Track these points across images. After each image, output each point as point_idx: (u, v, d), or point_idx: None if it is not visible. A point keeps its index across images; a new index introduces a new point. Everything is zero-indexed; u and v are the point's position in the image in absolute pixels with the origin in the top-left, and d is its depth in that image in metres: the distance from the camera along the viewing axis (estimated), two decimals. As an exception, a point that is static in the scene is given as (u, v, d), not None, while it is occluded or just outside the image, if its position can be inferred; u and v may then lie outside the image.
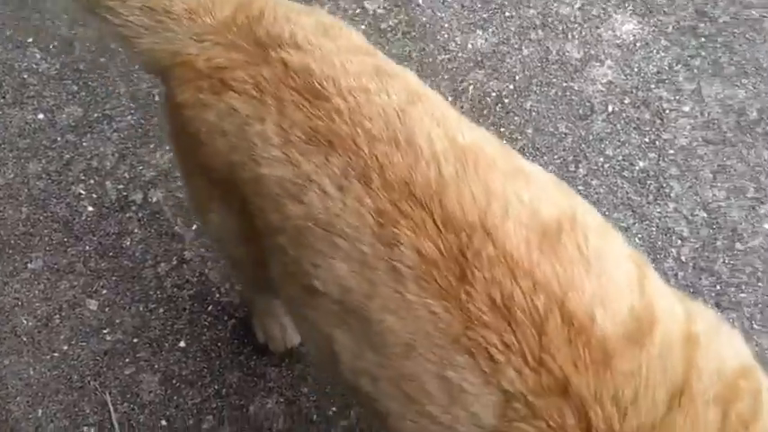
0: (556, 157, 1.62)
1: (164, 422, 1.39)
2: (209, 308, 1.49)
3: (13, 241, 1.56)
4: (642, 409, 0.71)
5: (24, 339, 1.46)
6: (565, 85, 1.70)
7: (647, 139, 1.64)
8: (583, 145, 1.64)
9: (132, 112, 1.70)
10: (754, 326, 1.48)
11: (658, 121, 1.66)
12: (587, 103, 1.68)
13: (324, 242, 0.83)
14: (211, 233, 1.11)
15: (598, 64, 1.72)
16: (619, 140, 1.64)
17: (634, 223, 1.56)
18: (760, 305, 1.49)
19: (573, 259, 0.77)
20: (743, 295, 1.50)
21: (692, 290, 1.49)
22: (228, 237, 1.07)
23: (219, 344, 1.46)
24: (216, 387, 1.42)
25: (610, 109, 1.68)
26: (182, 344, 1.46)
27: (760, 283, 1.51)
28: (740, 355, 0.80)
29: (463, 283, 0.76)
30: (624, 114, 1.67)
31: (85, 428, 1.38)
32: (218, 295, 1.50)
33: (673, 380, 0.73)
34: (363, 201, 0.81)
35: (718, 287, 1.50)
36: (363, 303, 0.81)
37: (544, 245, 0.77)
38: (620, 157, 1.63)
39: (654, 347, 0.74)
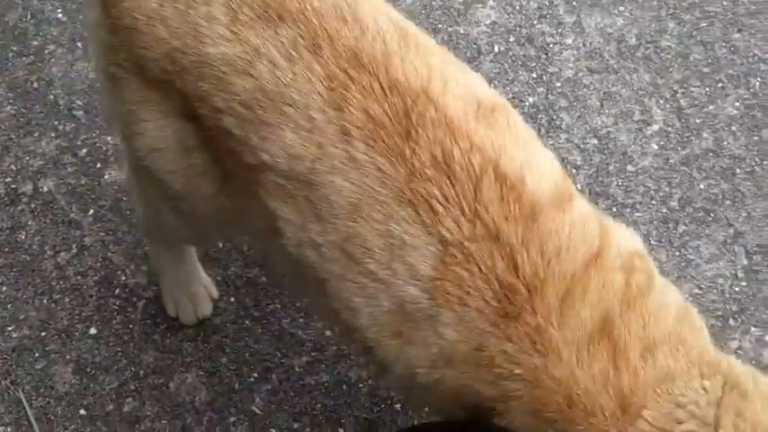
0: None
1: (83, 411, 1.37)
2: (117, 291, 1.46)
3: None
4: (564, 262, 0.81)
5: (-76, 348, 1.41)
6: (450, 29, 1.72)
7: (534, 75, 1.68)
8: (473, 87, 1.66)
9: (11, 102, 1.63)
10: (651, 242, 1.54)
11: (543, 56, 1.70)
12: (474, 46, 1.71)
13: (272, 113, 0.87)
14: (144, 149, 1.03)
15: (480, 5, 1.74)
16: (507, 79, 1.67)
17: (529, 157, 1.60)
18: (655, 222, 1.56)
19: (505, 132, 0.86)
20: (638, 215, 1.56)
21: (590, 215, 1.54)
22: (165, 147, 1.01)
23: (131, 326, 1.43)
24: (132, 369, 1.40)
25: (496, 49, 1.70)
26: (92, 331, 1.43)
27: (653, 201, 1.57)
28: (635, 244, 0.93)
29: (408, 141, 0.83)
30: (510, 53, 1.70)
31: (1, 429, 1.35)
32: (123, 278, 1.47)
33: (589, 245, 0.83)
34: (313, 69, 0.86)
35: (614, 209, 1.56)
36: (311, 169, 0.86)
37: (480, 116, 0.87)
38: (511, 95, 1.66)
39: (574, 215, 0.85)
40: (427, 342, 0.85)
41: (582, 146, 1.61)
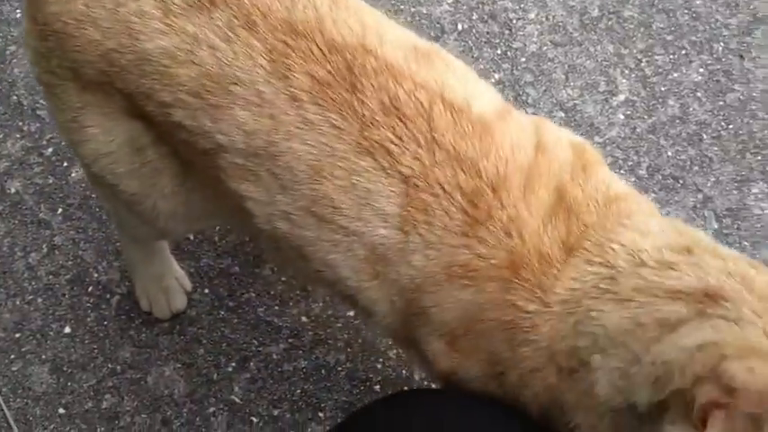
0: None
1: (61, 410, 1.37)
2: (90, 288, 1.46)
3: None
4: (519, 157, 0.87)
5: None
6: (413, 9, 1.72)
7: (498, 52, 1.68)
8: (438, 66, 1.66)
9: (-26, 104, 1.62)
10: (622, 211, 1.55)
11: (507, 32, 1.70)
12: (437, 25, 1.70)
13: (221, 95, 0.87)
14: (92, 155, 1.02)
15: (442, -16, 1.74)
16: (472, 56, 1.67)
17: (497, 134, 1.60)
18: (625, 191, 1.56)
19: (444, 70, 0.91)
20: (608, 185, 1.57)
21: (559, 188, 1.55)
22: (114, 150, 1.00)
23: (106, 322, 1.43)
24: (110, 366, 1.40)
25: (459, 27, 1.70)
26: (67, 329, 1.42)
27: (622, 171, 1.58)
28: (573, 137, 1.00)
29: (355, 94, 0.86)
30: (474, 30, 1.70)
31: (-20, 432, 1.34)
32: (96, 275, 1.47)
33: (532, 139, 0.90)
34: (252, 45, 0.87)
35: (583, 181, 1.56)
36: (268, 141, 0.87)
37: (418, 59, 0.90)
38: (477, 73, 1.66)
39: (516, 122, 0.92)
40: (400, 274, 0.88)
41: (549, 119, 1.61)
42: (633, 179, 1.56)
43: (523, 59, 1.68)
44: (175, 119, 0.91)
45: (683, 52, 1.68)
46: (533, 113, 1.62)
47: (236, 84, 0.87)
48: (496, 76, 1.66)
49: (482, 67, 1.66)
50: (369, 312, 0.97)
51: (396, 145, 0.85)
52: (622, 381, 0.77)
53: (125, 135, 0.98)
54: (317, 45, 0.87)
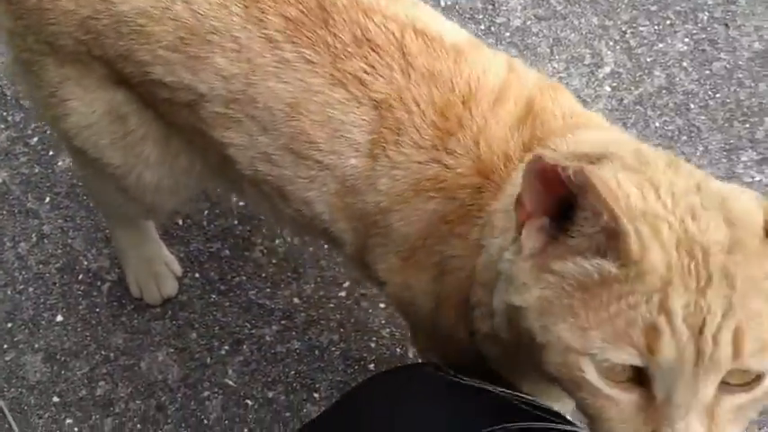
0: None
1: (56, 399, 1.37)
2: (80, 276, 1.45)
3: None
4: (491, 77, 0.88)
5: None
6: (396, -12, 1.71)
7: (482, 27, 1.67)
8: (423, 43, 1.65)
9: (-42, 96, 1.61)
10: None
11: (490, 7, 1.69)
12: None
13: (199, 46, 0.89)
14: (74, 128, 1.01)
15: (425, -39, 1.73)
16: (457, 33, 1.66)
17: (484, 109, 1.59)
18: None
19: (412, 7, 0.92)
20: (596, 157, 1.57)
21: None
22: (96, 121, 1.00)
23: (98, 309, 1.43)
24: (103, 353, 1.40)
25: (443, 4, 1.69)
26: (59, 318, 1.42)
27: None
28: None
29: (327, 29, 0.87)
30: (457, 7, 1.69)
31: (-25, 423, 1.34)
32: (86, 262, 1.46)
33: (504, 65, 0.91)
34: None
35: (572, 154, 1.56)
36: (246, 84, 0.89)
37: None
38: (461, 49, 1.65)
39: (489, 51, 0.93)
40: (366, 202, 0.89)
41: (535, 94, 1.61)
42: (621, 151, 1.56)
43: (507, 34, 1.67)
44: (155, 76, 0.91)
45: (668, 22, 1.67)
46: (520, 88, 1.61)
47: (213, 33, 0.88)
48: (482, 51, 1.65)
49: (467, 43, 1.66)
50: (340, 244, 0.98)
51: (368, 74, 0.87)
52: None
53: (106, 105, 0.98)
54: None
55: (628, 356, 0.63)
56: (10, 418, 1.34)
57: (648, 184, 0.68)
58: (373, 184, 0.89)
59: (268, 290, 1.44)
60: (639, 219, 0.66)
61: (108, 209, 1.29)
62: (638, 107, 1.60)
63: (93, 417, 1.35)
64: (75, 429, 1.34)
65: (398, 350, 1.40)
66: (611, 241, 0.65)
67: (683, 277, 0.63)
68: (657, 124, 1.59)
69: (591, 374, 0.65)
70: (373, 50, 0.87)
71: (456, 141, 0.85)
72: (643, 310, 0.63)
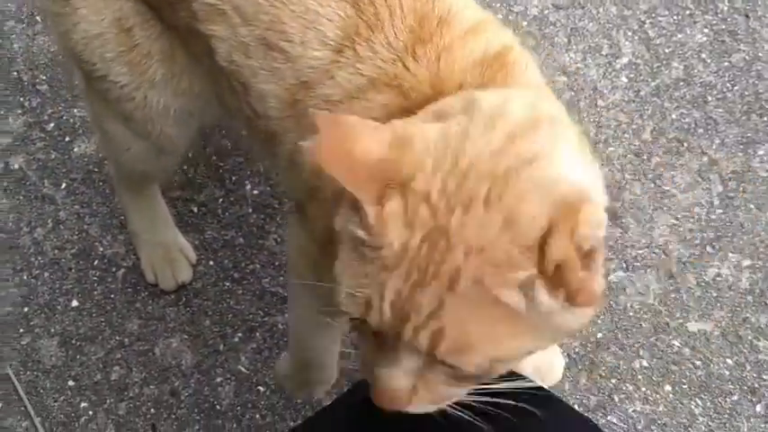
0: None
1: (71, 382, 1.38)
2: (95, 262, 1.47)
3: None
4: (468, 12, 0.87)
5: None
6: (413, -25, 1.70)
7: (500, 16, 1.66)
8: (439, 32, 1.65)
9: (-26, 81, 1.62)
10: (626, 176, 1.54)
11: (508, -4, 1.68)
12: (437, -10, 1.68)
13: None
14: (83, 38, 1.05)
15: (442, -51, 1.71)
16: (473, 21, 1.65)
17: (499, 99, 1.59)
18: (629, 155, 1.55)
19: None
20: (611, 149, 1.56)
21: (563, 153, 1.54)
22: (103, 31, 1.03)
23: (113, 295, 1.44)
24: (117, 338, 1.41)
25: (460, -8, 1.68)
26: (74, 303, 1.44)
27: (626, 135, 1.57)
28: None
29: None
30: (475, -5, 1.68)
31: (-8, 405, 1.37)
32: (101, 249, 1.47)
33: (484, 13, 0.91)
34: None
35: (587, 146, 1.55)
36: None
37: None
38: (478, 38, 1.64)
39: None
40: (315, 96, 0.88)
41: (551, 84, 1.60)
42: (637, 143, 1.55)
43: (525, 23, 1.66)
44: None
45: (687, 12, 1.65)
46: (536, 78, 1.60)
47: None
48: (498, 41, 1.64)
49: (483, 32, 1.65)
50: (276, 143, 0.97)
51: None
52: None
53: (113, 15, 1.01)
54: None
55: (354, 311, 0.69)
56: (26, 401, 1.36)
57: (448, 158, 0.68)
58: (332, 77, 0.87)
59: (281, 278, 1.45)
60: (398, 192, 0.67)
61: (119, 157, 1.28)
62: (654, 98, 1.59)
63: (108, 401, 1.37)
64: (90, 413, 1.36)
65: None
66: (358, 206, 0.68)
67: (410, 266, 0.66)
68: (674, 116, 1.57)
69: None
70: None
71: (422, 50, 0.85)
72: (367, 281, 0.68)
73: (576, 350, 1.40)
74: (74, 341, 1.41)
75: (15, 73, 1.62)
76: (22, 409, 1.36)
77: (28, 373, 1.39)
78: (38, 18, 1.66)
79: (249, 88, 0.94)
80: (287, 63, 0.89)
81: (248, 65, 0.93)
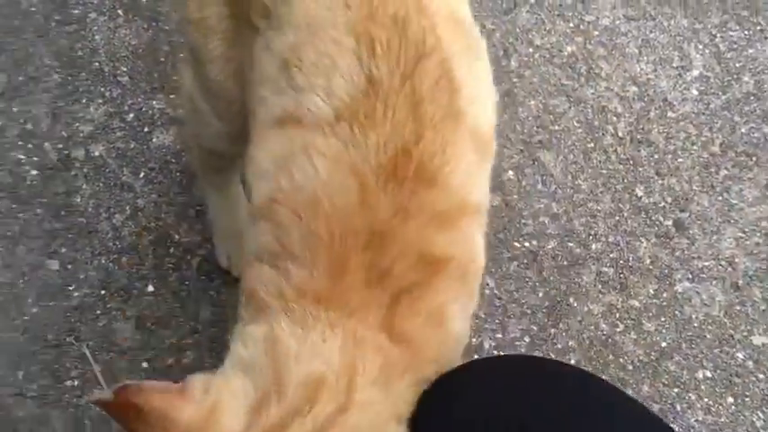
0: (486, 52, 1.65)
1: (145, 365, 1.42)
2: (171, 250, 1.51)
3: (-40, 215, 1.55)
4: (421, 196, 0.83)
5: (-9, 309, 1.47)
6: (486, -18, 1.72)
7: (571, 24, 1.68)
8: (511, 38, 1.67)
9: (57, 70, 1.67)
10: (694, 187, 1.55)
11: (580, 5, 1.69)
12: (510, -2, 1.71)
13: None
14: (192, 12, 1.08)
15: (515, -43, 1.74)
16: (545, 29, 1.68)
17: (570, 107, 1.61)
18: (697, 167, 1.56)
19: (466, 41, 0.91)
20: (680, 160, 1.57)
21: (631, 162, 1.56)
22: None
23: (187, 282, 1.48)
24: (191, 324, 1.45)
25: (532, 0, 1.71)
26: (150, 288, 1.48)
27: (695, 147, 1.58)
28: None
29: None
30: (546, 3, 1.70)
31: (69, 382, 1.41)
32: (177, 237, 1.52)
33: None
34: None
35: (656, 156, 1.57)
36: None
37: (452, 22, 0.90)
38: (549, 45, 1.67)
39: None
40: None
41: (622, 94, 1.62)
42: (706, 155, 1.56)
43: (596, 33, 1.68)
44: None
45: (759, 28, 1.66)
46: (606, 87, 1.62)
47: None
48: (569, 48, 1.66)
49: (554, 40, 1.67)
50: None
51: (382, 49, 0.85)
52: None
53: None
54: None
55: None
56: (101, 380, 1.40)
57: None
58: (323, 134, 0.86)
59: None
60: None
61: (202, 132, 1.30)
62: (724, 112, 1.60)
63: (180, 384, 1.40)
64: (163, 396, 1.40)
65: (474, 340, 1.43)
66: None
67: None
68: (743, 130, 1.58)
69: None
70: (400, 39, 0.85)
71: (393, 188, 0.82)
72: None
73: (640, 358, 1.42)
74: (148, 325, 1.45)
75: (97, 64, 1.67)
76: (98, 387, 1.40)
77: (104, 353, 1.43)
78: (119, 12, 1.71)
79: (252, 84, 0.96)
80: (290, 92, 0.88)
81: (262, 71, 0.93)
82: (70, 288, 1.48)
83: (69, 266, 1.50)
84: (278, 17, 0.92)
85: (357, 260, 0.80)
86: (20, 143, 1.60)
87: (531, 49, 1.66)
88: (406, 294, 0.81)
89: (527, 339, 1.41)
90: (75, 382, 1.41)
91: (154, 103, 1.62)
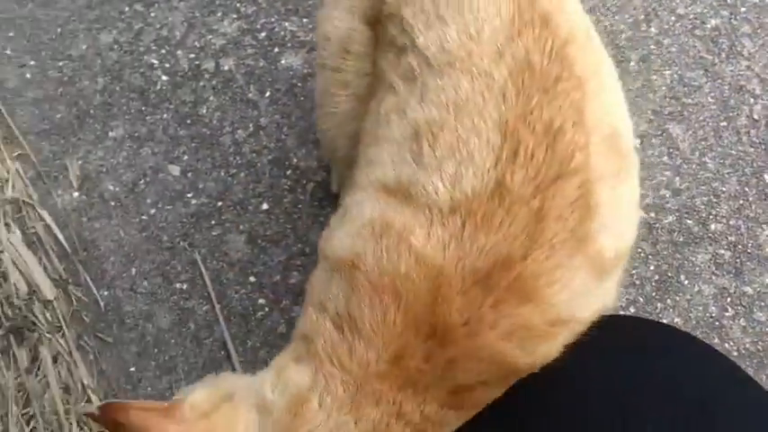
0: (627, 16, 1.60)
1: (252, 279, 1.46)
2: (288, 172, 1.53)
3: (92, 111, 1.59)
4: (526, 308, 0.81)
5: (112, 204, 1.52)
6: (635, -58, 1.66)
7: (713, 2, 1.62)
8: (654, 4, 1.62)
9: (196, -19, 1.69)
10: (824, 181, 1.49)
11: (732, -22, 1.63)
12: (659, -39, 1.65)
13: (450, 10, 0.87)
14: (321, 34, 1.09)
15: None
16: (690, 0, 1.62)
17: (706, 82, 1.56)
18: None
19: (622, 167, 0.85)
20: (814, 152, 1.51)
21: (763, 147, 1.51)
22: (333, 38, 1.06)
23: (300, 206, 1.51)
24: (300, 246, 1.48)
25: (682, -33, 1.64)
26: (264, 206, 1.51)
27: (831, 140, 1.52)
28: None
29: (543, 94, 0.81)
30: (696, -28, 1.64)
31: (178, 285, 1.46)
32: (295, 160, 1.54)
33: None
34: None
35: (789, 144, 1.51)
36: (448, 62, 0.85)
37: (608, 146, 0.83)
38: (692, 16, 1.61)
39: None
40: None
41: (763, 75, 1.56)
42: (844, 150, 1.50)
43: (744, 9, 1.61)
44: (397, 11, 0.92)
45: None
46: (747, 66, 1.56)
47: (469, 13, 0.86)
48: (713, 21, 1.60)
49: (699, 11, 1.61)
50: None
51: (524, 155, 0.79)
52: None
53: (344, 32, 1.03)
54: (551, 41, 0.83)
55: None
56: (210, 287, 1.45)
57: None
58: (429, 227, 0.82)
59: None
60: None
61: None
62: None
63: (284, 302, 1.44)
64: (266, 309, 1.43)
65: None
66: None
67: None
68: None
69: None
70: (547, 150, 0.80)
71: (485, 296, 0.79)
72: None
73: (747, 346, 1.39)
74: (259, 241, 1.48)
75: (234, -21, 1.68)
76: (206, 294, 1.45)
77: (214, 262, 1.47)
78: (261, -70, 1.71)
79: (367, 146, 0.91)
80: (413, 162, 0.83)
81: (387, 135, 0.88)
82: (189, 195, 1.52)
83: (189, 174, 1.54)
84: (424, 85, 0.86)
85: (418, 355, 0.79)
86: (154, 48, 1.64)
87: (673, 18, 1.61)
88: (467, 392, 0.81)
89: (632, 310, 1.39)
90: (185, 286, 1.46)
91: (287, 24, 1.63)
